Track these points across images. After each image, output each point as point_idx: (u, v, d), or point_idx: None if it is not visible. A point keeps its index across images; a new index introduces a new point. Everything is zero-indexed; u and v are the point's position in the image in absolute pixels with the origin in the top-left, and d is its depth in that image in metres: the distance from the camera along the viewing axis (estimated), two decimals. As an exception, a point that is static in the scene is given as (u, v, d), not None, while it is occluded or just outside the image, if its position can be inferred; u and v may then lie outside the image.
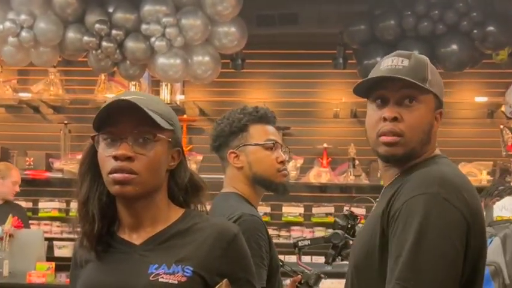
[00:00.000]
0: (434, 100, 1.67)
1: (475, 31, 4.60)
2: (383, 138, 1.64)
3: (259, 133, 2.30)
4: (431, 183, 1.56)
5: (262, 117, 2.30)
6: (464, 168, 5.33)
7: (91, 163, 1.51)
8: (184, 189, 1.56)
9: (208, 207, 2.19)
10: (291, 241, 5.47)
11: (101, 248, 1.52)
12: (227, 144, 2.29)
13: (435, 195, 1.54)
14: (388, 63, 1.66)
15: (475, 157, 5.46)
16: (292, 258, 5.18)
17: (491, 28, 4.62)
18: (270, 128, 2.32)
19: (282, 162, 2.30)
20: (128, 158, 1.45)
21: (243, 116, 2.29)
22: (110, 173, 1.46)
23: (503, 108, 5.54)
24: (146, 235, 1.51)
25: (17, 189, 4.93)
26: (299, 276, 2.50)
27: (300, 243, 2.73)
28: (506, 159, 5.58)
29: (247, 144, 2.28)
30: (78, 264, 1.58)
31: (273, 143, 2.29)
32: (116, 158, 1.45)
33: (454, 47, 4.62)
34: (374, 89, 1.66)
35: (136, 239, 1.52)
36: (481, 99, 5.55)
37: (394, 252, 1.53)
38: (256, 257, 2.05)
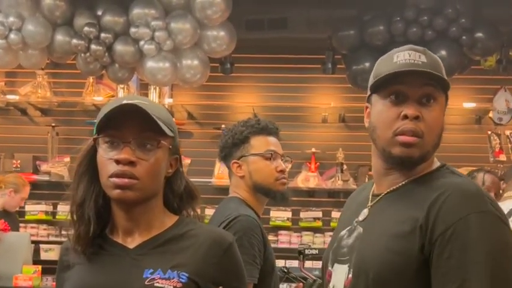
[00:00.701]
0: (445, 102, 1.57)
1: (464, 37, 4.62)
2: (402, 138, 1.50)
3: (259, 144, 2.45)
4: (481, 200, 1.47)
5: (263, 128, 2.46)
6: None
7: (89, 164, 1.51)
8: (179, 196, 1.56)
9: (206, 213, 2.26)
10: (278, 245, 5.48)
11: (92, 250, 1.51)
12: (231, 155, 2.46)
13: (490, 213, 1.46)
14: (405, 57, 1.53)
15: (462, 163, 5.46)
16: (281, 263, 5.20)
17: (479, 34, 4.65)
18: (271, 139, 2.47)
19: (282, 171, 2.45)
20: (131, 163, 1.45)
21: (245, 129, 2.46)
22: (111, 176, 1.45)
23: (491, 114, 5.58)
24: (140, 239, 1.51)
25: (22, 204, 5.06)
26: (301, 284, 2.56)
27: (306, 251, 2.80)
28: (493, 164, 5.60)
29: (247, 155, 2.43)
30: (66, 266, 1.56)
31: (271, 153, 2.44)
32: (118, 162, 1.45)
33: (443, 52, 4.63)
34: (388, 84, 1.52)
35: (130, 242, 1.51)
36: (469, 105, 5.57)
37: (455, 275, 1.41)
38: (247, 255, 2.17)
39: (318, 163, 5.59)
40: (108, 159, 1.46)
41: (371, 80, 1.59)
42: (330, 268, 1.63)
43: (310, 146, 5.59)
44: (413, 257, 1.46)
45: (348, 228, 1.63)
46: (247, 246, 2.20)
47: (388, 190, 1.58)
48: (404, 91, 1.51)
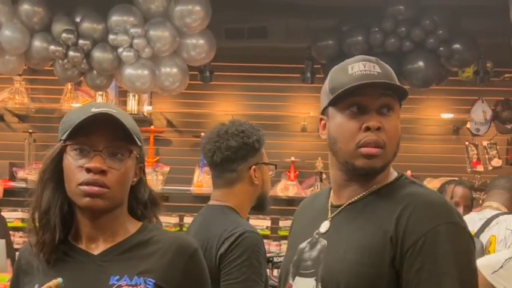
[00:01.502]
0: (399, 108, 1.57)
1: (441, 48, 4.66)
2: (366, 150, 1.51)
3: (265, 154, 2.36)
4: (447, 211, 1.49)
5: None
6: (430, 184, 5.37)
7: (55, 171, 1.50)
8: (143, 204, 1.57)
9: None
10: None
11: (56, 257, 1.50)
12: (245, 159, 2.29)
13: (457, 225, 1.48)
14: (360, 68, 1.52)
15: (440, 173, 5.51)
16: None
17: (457, 46, 4.68)
18: None
19: None
20: (102, 172, 1.44)
21: (260, 134, 2.33)
22: (81, 184, 1.45)
23: (468, 125, 5.62)
24: (104, 246, 1.51)
25: None
26: None
27: (275, 259, 2.77)
28: (471, 175, 5.65)
29: (261, 163, 2.32)
30: (25, 270, 1.55)
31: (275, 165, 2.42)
32: (89, 170, 1.44)
33: (421, 63, 4.67)
34: (347, 96, 1.51)
35: (94, 249, 1.51)
36: (447, 115, 5.63)
37: (426, 287, 1.43)
38: (256, 274, 2.12)
39: (297, 172, 5.61)
40: (78, 167, 1.45)
41: (328, 94, 1.57)
42: (290, 281, 1.62)
43: (289, 154, 5.60)
44: (384, 270, 1.47)
45: (308, 240, 1.61)
46: (257, 265, 2.14)
47: (349, 201, 1.58)
48: (363, 103, 1.51)
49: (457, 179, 5.54)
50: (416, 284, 1.44)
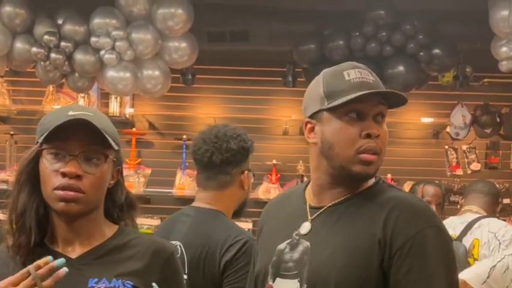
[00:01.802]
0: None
1: (421, 53, 4.70)
2: (365, 156, 1.55)
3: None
4: (431, 215, 1.55)
5: None
6: (410, 187, 5.42)
7: (31, 173, 1.50)
8: (119, 207, 1.58)
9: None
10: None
11: (31, 259, 1.48)
12: (239, 163, 2.29)
13: (440, 228, 1.55)
14: (357, 75, 1.57)
15: (420, 176, 5.56)
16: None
17: (436, 51, 4.73)
18: None
19: None
20: (77, 176, 1.45)
21: (250, 140, 2.35)
22: (57, 189, 1.45)
23: (448, 129, 5.68)
24: (81, 249, 1.51)
25: None
26: None
27: None
28: (450, 178, 5.71)
29: (249, 169, 2.35)
30: (0, 274, 1.55)
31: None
32: (64, 175, 1.44)
33: (401, 68, 4.71)
34: (348, 102, 1.55)
35: (71, 252, 1.52)
36: (427, 120, 5.68)
37: (416, 286, 1.49)
38: None
39: (279, 175, 5.64)
40: (53, 171, 1.46)
41: (323, 98, 1.59)
42: (270, 282, 1.64)
43: (271, 157, 5.62)
44: (372, 271, 1.51)
45: (288, 241, 1.63)
46: None
47: (331, 204, 1.61)
48: (363, 110, 1.56)
49: (436, 182, 5.62)
50: (405, 285, 1.49)
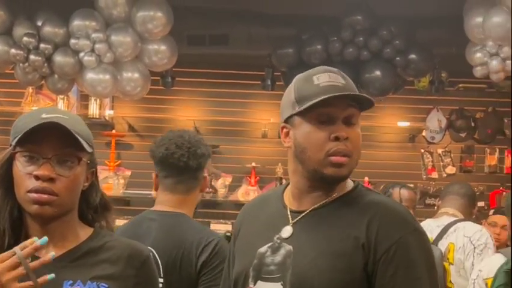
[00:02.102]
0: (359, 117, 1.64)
1: (398, 58, 4.76)
2: (335, 159, 1.57)
3: None
4: (412, 220, 1.59)
5: None
6: (381, 189, 5.48)
7: (4, 176, 1.50)
8: (93, 209, 1.58)
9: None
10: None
11: None
12: (204, 168, 2.36)
13: (421, 232, 1.58)
14: (326, 79, 1.59)
15: (396, 179, 5.61)
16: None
17: (413, 56, 4.79)
18: None
19: None
20: (50, 179, 1.45)
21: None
22: (30, 192, 1.45)
23: (424, 133, 5.76)
24: (56, 252, 1.50)
25: None
26: None
27: None
28: (426, 182, 5.79)
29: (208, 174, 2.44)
30: None
31: None
32: (38, 177, 1.44)
33: (378, 73, 4.76)
34: (316, 106, 1.57)
35: (45, 254, 1.51)
36: (403, 124, 5.75)
37: None
38: None
39: (258, 177, 5.67)
40: (26, 173, 1.45)
41: (294, 103, 1.61)
42: (251, 285, 1.65)
43: (250, 160, 5.66)
44: (356, 275, 1.53)
45: (269, 244, 1.64)
46: None
47: (312, 208, 1.63)
48: (332, 113, 1.57)
49: (412, 185, 5.69)
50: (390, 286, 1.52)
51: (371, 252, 1.53)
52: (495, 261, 2.80)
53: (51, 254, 1.37)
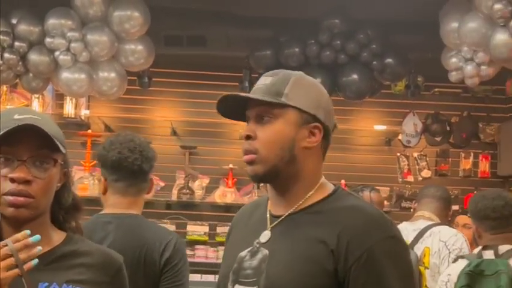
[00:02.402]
0: (297, 114, 1.61)
1: (375, 62, 4.79)
2: (245, 158, 1.62)
3: None
4: (387, 225, 1.57)
5: None
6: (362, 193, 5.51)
7: None
8: (65, 209, 1.57)
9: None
10: (195, 260, 5.51)
11: None
12: (152, 171, 2.42)
13: (397, 238, 1.56)
14: (261, 82, 1.66)
15: (372, 182, 5.63)
16: (197, 278, 5.22)
17: (389, 60, 4.83)
18: None
19: None
20: (26, 182, 1.44)
21: None
22: (6, 194, 1.44)
23: (400, 137, 5.81)
24: None
25: None
26: None
27: None
28: (402, 185, 5.83)
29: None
30: None
31: None
32: (13, 180, 1.43)
33: (355, 76, 4.80)
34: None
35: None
36: (380, 127, 5.79)
37: None
38: (188, 275, 2.38)
39: (235, 179, 5.68)
40: (1, 176, 1.44)
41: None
42: None
43: (228, 162, 5.65)
44: (327, 281, 1.52)
45: (249, 249, 1.65)
46: (188, 267, 2.38)
47: (288, 213, 1.62)
48: (247, 114, 1.64)
49: (388, 188, 5.72)
50: None
51: (341, 259, 1.52)
52: (460, 266, 2.87)
53: (38, 247, 1.37)
